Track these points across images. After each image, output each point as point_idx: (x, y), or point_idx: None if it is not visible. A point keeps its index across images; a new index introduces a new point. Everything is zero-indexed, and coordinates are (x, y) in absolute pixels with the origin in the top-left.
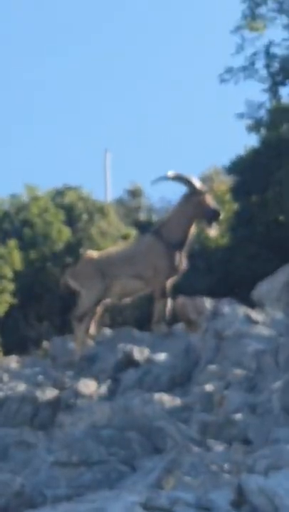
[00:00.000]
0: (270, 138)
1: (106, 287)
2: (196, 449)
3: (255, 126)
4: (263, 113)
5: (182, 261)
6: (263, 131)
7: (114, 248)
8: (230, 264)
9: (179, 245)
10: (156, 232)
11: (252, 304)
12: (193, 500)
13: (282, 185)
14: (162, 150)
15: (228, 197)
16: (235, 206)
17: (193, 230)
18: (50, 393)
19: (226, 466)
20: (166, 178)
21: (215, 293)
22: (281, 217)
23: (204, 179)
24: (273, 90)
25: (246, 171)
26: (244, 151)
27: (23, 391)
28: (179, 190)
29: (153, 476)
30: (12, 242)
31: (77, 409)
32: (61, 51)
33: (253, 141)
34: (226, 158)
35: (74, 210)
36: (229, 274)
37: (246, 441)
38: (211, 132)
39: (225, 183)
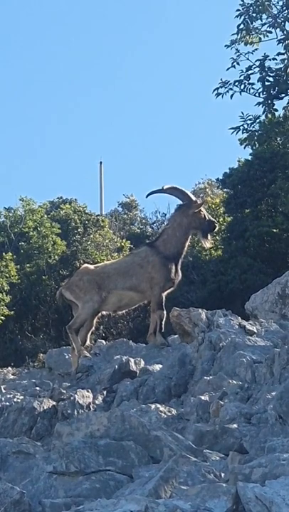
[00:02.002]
0: (264, 151)
1: (102, 299)
2: (192, 458)
3: (249, 140)
4: (257, 127)
5: (178, 273)
6: (256, 144)
7: (110, 261)
8: (224, 276)
9: (175, 257)
10: (152, 245)
11: (246, 316)
12: (190, 508)
13: (275, 198)
14: (156, 163)
15: (221, 210)
16: (229, 219)
17: (188, 241)
18: (47, 404)
19: (223, 475)
20: (161, 190)
21: (209, 305)
22: (274, 230)
23: (198, 192)
24: (268, 104)
25: (240, 184)
26: (237, 164)
27: (21, 402)
28: (173, 203)
29: (150, 485)
30: (8, 255)
31: (74, 420)
32: (54, 65)
33: (246, 154)
34: (220, 171)
35: (69, 223)
36: (223, 286)
37: (242, 451)
38: (205, 146)
39: (218, 196)
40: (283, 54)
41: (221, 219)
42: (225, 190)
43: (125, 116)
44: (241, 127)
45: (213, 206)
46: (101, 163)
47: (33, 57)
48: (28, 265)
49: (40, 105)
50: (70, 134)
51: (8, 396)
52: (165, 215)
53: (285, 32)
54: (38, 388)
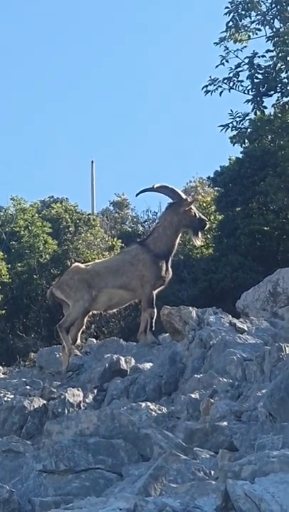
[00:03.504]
0: (254, 149)
1: (93, 298)
2: (182, 456)
3: (239, 138)
4: (247, 124)
5: (168, 271)
6: (246, 142)
7: (101, 260)
8: (215, 275)
9: (166, 255)
10: (143, 243)
11: (237, 314)
12: (180, 506)
13: (266, 196)
14: (148, 162)
15: (212, 208)
16: (220, 217)
17: (179, 240)
18: (37, 403)
19: (213, 472)
20: (152, 189)
21: (200, 303)
22: (265, 228)
23: (189, 190)
24: (257, 101)
25: (230, 183)
26: (228, 162)
27: (11, 401)
28: (164, 202)
29: (140, 483)
30: None
31: (64, 418)
32: (47, 64)
33: (237, 152)
34: (211, 169)
35: (60, 222)
36: (214, 284)
37: (232, 449)
38: (196, 144)
39: (209, 194)
40: (272, 51)
41: (212, 217)
42: (216, 188)
43: (117, 115)
44: (230, 125)
45: (204, 204)
46: (92, 162)
47: (26, 57)
48: (19, 264)
49: (31, 104)
50: (62, 133)
51: None
52: (156, 213)
53: (274, 29)
54: (28, 387)
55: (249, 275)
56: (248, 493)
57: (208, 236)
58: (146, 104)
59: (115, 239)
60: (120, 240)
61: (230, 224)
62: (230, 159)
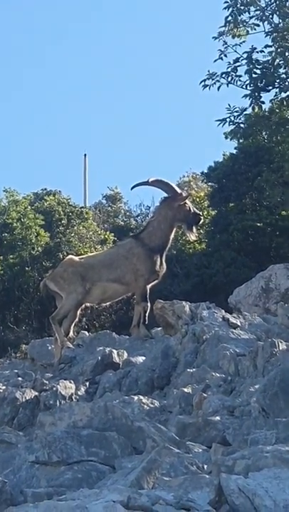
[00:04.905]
0: (249, 145)
1: (86, 291)
2: (175, 450)
3: (234, 134)
4: (243, 119)
5: (163, 265)
6: (241, 138)
7: (95, 253)
8: (208, 270)
9: (160, 249)
10: (137, 237)
11: (229, 310)
12: (173, 499)
13: (259, 193)
14: (141, 156)
15: (205, 203)
16: (213, 213)
17: (173, 234)
18: (29, 394)
19: (206, 467)
20: (146, 183)
21: (192, 298)
22: (258, 224)
23: (182, 186)
24: (255, 96)
25: (224, 178)
26: (222, 158)
27: (3, 392)
28: (158, 196)
29: (133, 476)
30: None
31: (57, 410)
32: (40, 57)
33: (231, 148)
34: (205, 164)
35: (53, 215)
36: (206, 280)
37: (225, 443)
38: (190, 139)
39: (203, 189)
40: (271, 46)
41: (205, 213)
42: (209, 183)
43: (110, 108)
44: (228, 119)
45: (198, 200)
46: (85, 155)
47: (18, 50)
48: (11, 256)
49: (25, 97)
50: (55, 126)
51: None
52: (149, 207)
53: (272, 25)
54: (20, 379)
55: (242, 271)
56: (242, 487)
57: (201, 231)
58: (142, 98)
59: (108, 232)
60: (113, 234)
61: (223, 219)
62: (224, 155)
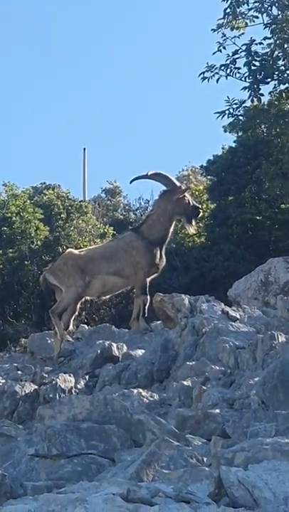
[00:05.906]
0: (248, 138)
1: (86, 284)
2: (175, 442)
3: (233, 126)
4: (242, 112)
5: (162, 258)
6: (240, 131)
7: (94, 246)
8: (207, 263)
9: (159, 242)
10: (137, 230)
11: (228, 303)
12: (173, 492)
13: (259, 186)
14: (140, 150)
15: (205, 197)
16: (212, 206)
17: (172, 227)
18: (29, 388)
19: (205, 459)
20: (146, 176)
21: (191, 291)
22: (258, 217)
23: (181, 179)
24: (254, 88)
25: (223, 172)
26: (221, 151)
27: (3, 386)
28: (157, 190)
29: (132, 469)
30: None
31: (57, 403)
32: (39, 51)
33: (230, 141)
34: (204, 158)
35: (52, 209)
36: (206, 273)
37: (224, 436)
38: (190, 132)
39: (202, 183)
40: (270, 38)
41: (205, 206)
42: (208, 177)
43: (109, 102)
44: (227, 111)
45: (197, 193)
46: (85, 149)
47: (18, 42)
48: (10, 250)
49: (24, 91)
50: (54, 120)
51: None
52: (148, 201)
53: (271, 16)
54: (19, 372)
55: (241, 264)
56: (242, 479)
57: (201, 225)
58: (141, 92)
59: (107, 226)
60: (112, 228)
61: (222, 213)
62: (223, 148)
